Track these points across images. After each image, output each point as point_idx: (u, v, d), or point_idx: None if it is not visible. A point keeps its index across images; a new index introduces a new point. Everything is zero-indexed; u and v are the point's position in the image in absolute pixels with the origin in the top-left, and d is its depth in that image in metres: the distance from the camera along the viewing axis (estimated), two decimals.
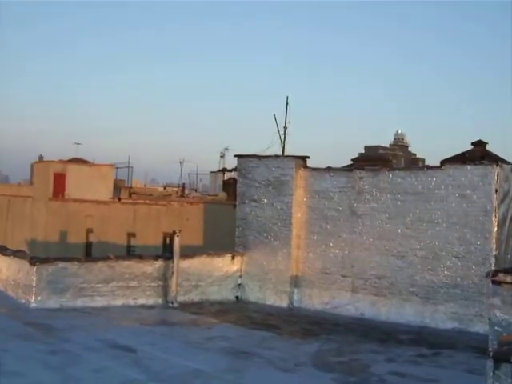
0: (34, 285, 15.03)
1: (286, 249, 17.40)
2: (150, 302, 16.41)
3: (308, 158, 17.89)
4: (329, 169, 17.50)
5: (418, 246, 15.62)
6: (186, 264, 16.86)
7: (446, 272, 15.16)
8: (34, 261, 15.23)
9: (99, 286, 15.78)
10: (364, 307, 16.31)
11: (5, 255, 16.86)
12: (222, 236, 22.88)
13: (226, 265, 17.81)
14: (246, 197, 18.38)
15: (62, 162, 44.65)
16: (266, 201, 17.88)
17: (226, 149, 46.72)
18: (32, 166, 53.50)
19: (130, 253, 33.37)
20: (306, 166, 17.70)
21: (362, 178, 16.71)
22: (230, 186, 38.64)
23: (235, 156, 19.15)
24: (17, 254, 16.60)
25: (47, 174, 42.22)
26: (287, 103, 34.07)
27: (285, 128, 33.22)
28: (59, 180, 41.62)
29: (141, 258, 16.70)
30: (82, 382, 9.49)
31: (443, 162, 15.76)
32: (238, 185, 18.85)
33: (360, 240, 16.57)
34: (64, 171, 42.11)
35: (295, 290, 17.42)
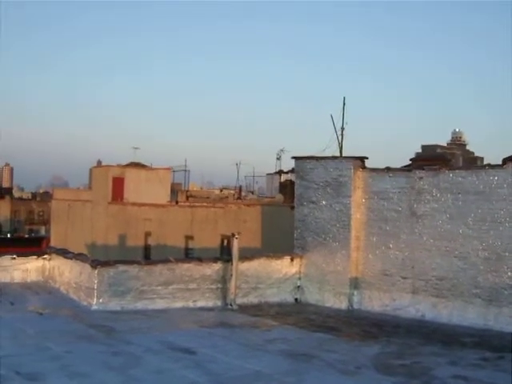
0: (96, 287, 15.26)
1: (345, 250, 17.26)
2: (210, 304, 16.49)
3: (366, 158, 17.74)
4: (388, 169, 17.30)
5: (480, 246, 15.31)
6: (244, 266, 16.89)
7: (509, 273, 14.82)
8: (95, 264, 15.46)
9: (159, 288, 15.93)
10: (425, 309, 16.06)
11: (67, 258, 17.17)
12: (279, 238, 22.82)
13: (284, 267, 17.77)
14: (304, 198, 18.31)
15: (120, 166, 45.34)
16: (324, 202, 17.78)
17: (282, 150, 46.61)
18: (91, 170, 54.43)
19: (188, 255, 33.61)
20: (364, 167, 17.54)
21: (421, 177, 16.48)
22: (286, 187, 38.60)
23: (293, 158, 19.09)
24: (78, 257, 16.88)
25: (106, 179, 42.86)
26: (344, 104, 33.88)
27: (342, 129, 33.04)
28: (118, 184, 42.21)
29: (200, 260, 16.78)
30: (143, 383, 9.56)
31: (505, 160, 15.38)
32: (295, 186, 18.80)
33: (420, 241, 16.34)
34: (122, 175, 42.69)
35: (354, 292, 17.27)
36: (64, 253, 17.78)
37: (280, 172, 45.42)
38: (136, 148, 49.60)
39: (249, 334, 13.41)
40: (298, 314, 16.30)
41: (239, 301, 16.56)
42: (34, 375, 9.55)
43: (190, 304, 16.27)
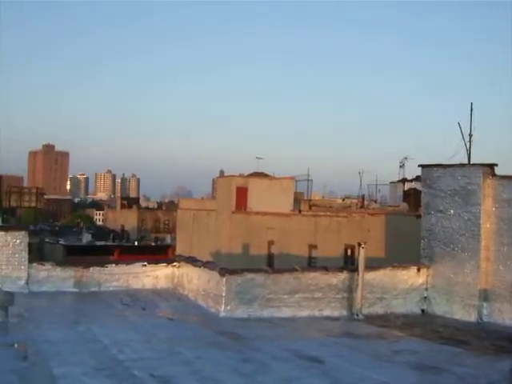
0: (224, 295, 15.55)
1: (475, 261, 16.76)
2: (335, 313, 16.44)
3: (496, 165, 17.17)
4: None
5: None
6: (370, 276, 16.73)
7: None
8: (223, 272, 15.76)
9: (285, 297, 16.04)
10: None
11: (195, 266, 17.60)
12: (404, 248, 22.47)
13: (411, 277, 17.46)
14: (431, 207, 17.94)
15: (243, 176, 46.05)
16: (452, 211, 17.35)
17: (406, 158, 45.72)
18: (214, 180, 55.59)
19: (312, 265, 33.66)
20: (494, 174, 16.99)
21: None
22: (410, 196, 37.98)
23: (419, 166, 18.74)
24: (207, 264, 17.26)
25: (230, 188, 43.67)
26: (471, 110, 32.94)
27: (470, 135, 32.11)
28: (241, 194, 42.91)
29: (326, 269, 16.77)
30: None
31: None
32: (422, 195, 18.45)
33: None
34: (246, 185, 43.36)
35: (484, 304, 16.73)
36: (192, 261, 18.23)
37: (404, 180, 44.64)
38: (259, 158, 50.25)
39: (375, 345, 13.28)
40: (425, 325, 15.97)
41: (365, 311, 16.43)
42: (166, 378, 9.88)
43: (316, 313, 16.28)
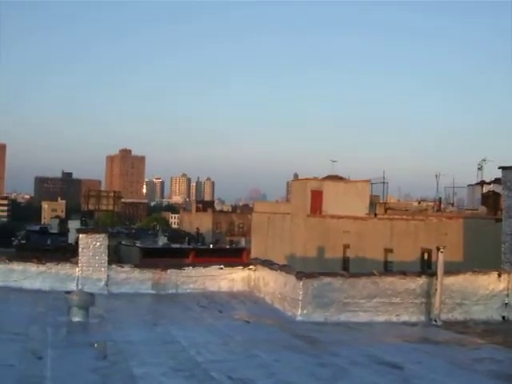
0: (301, 298, 15.51)
1: None
2: (413, 319, 16.17)
3: None
4: None
5: None
6: (449, 281, 16.38)
7: None
8: (300, 275, 15.72)
9: (362, 301, 15.88)
10: None
11: (272, 269, 17.62)
12: (483, 252, 22.00)
13: (491, 283, 17.00)
14: None
15: (318, 179, 45.85)
16: None
17: (484, 160, 44.62)
18: (288, 184, 55.73)
19: (388, 269, 33.27)
20: None
21: None
22: (489, 199, 37.05)
23: (500, 168, 18.27)
24: (283, 268, 17.26)
25: (305, 192, 43.56)
26: None
27: None
28: (316, 197, 42.76)
29: (404, 274, 16.51)
30: None
31: None
32: (503, 198, 18.01)
33: None
34: (321, 188, 43.18)
35: None
36: (269, 264, 18.26)
37: (482, 183, 43.61)
38: (334, 161, 49.93)
39: (455, 352, 12.98)
40: (507, 333, 15.54)
41: (443, 317, 16.10)
42: (244, 381, 9.89)
43: (393, 318, 16.06)
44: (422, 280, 16.36)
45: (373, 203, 44.19)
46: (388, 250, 35.67)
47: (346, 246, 39.41)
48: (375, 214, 41.25)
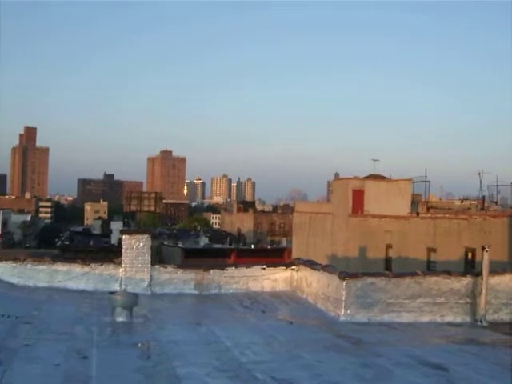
0: (344, 299, 15.42)
1: None
2: (458, 319, 15.96)
3: None
4: None
5: None
6: (495, 281, 16.12)
7: None
8: (343, 275, 15.63)
9: (406, 301, 15.71)
10: None
11: (314, 269, 17.54)
12: None
13: None
14: None
15: (359, 178, 45.58)
16: None
17: None
18: (329, 183, 55.53)
19: (431, 268, 32.93)
20: None
21: None
22: None
23: None
24: (326, 268, 17.16)
25: (346, 191, 43.35)
26: None
27: None
28: (358, 196, 42.51)
29: (449, 273, 16.30)
30: None
31: None
32: None
33: None
34: (362, 188, 42.92)
35: None
36: (311, 264, 18.18)
37: None
38: (375, 160, 49.49)
39: (502, 354, 12.72)
40: None
41: (489, 317, 15.85)
42: (288, 381, 9.83)
43: (438, 318, 15.86)
44: (467, 280, 16.14)
45: (415, 202, 43.78)
46: (431, 250, 35.32)
47: (389, 246, 39.13)
48: (417, 214, 40.87)
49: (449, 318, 15.94)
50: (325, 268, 17.19)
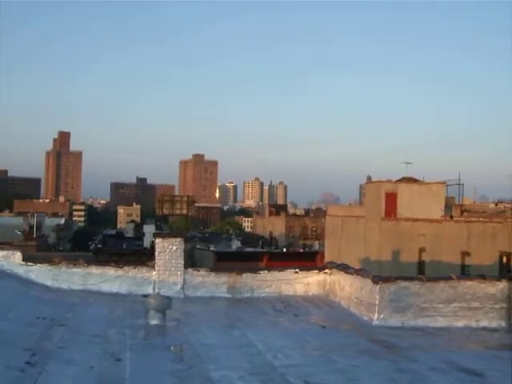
0: (377, 303, 15.30)
1: None
2: (493, 324, 15.73)
3: None
4: None
5: None
6: None
7: None
8: (376, 279, 15.51)
9: (440, 306, 15.54)
10: None
11: (347, 273, 17.44)
12: None
13: None
14: None
15: (392, 181, 45.31)
16: None
17: None
18: (361, 186, 55.32)
19: (465, 272, 32.59)
20: None
21: None
22: None
23: None
24: (359, 272, 17.06)
25: (379, 194, 43.10)
26: None
27: None
28: (391, 200, 42.24)
29: (484, 278, 16.10)
30: None
31: None
32: None
33: None
34: (395, 191, 42.64)
35: None
36: (344, 268, 18.08)
37: None
38: (408, 163, 49.16)
39: None
40: None
41: None
42: None
43: (472, 323, 15.66)
44: (503, 284, 15.91)
45: (448, 205, 43.41)
46: (465, 254, 34.96)
47: (422, 250, 38.82)
48: (451, 217, 40.51)
49: (484, 323, 15.72)
50: (358, 272, 17.08)
